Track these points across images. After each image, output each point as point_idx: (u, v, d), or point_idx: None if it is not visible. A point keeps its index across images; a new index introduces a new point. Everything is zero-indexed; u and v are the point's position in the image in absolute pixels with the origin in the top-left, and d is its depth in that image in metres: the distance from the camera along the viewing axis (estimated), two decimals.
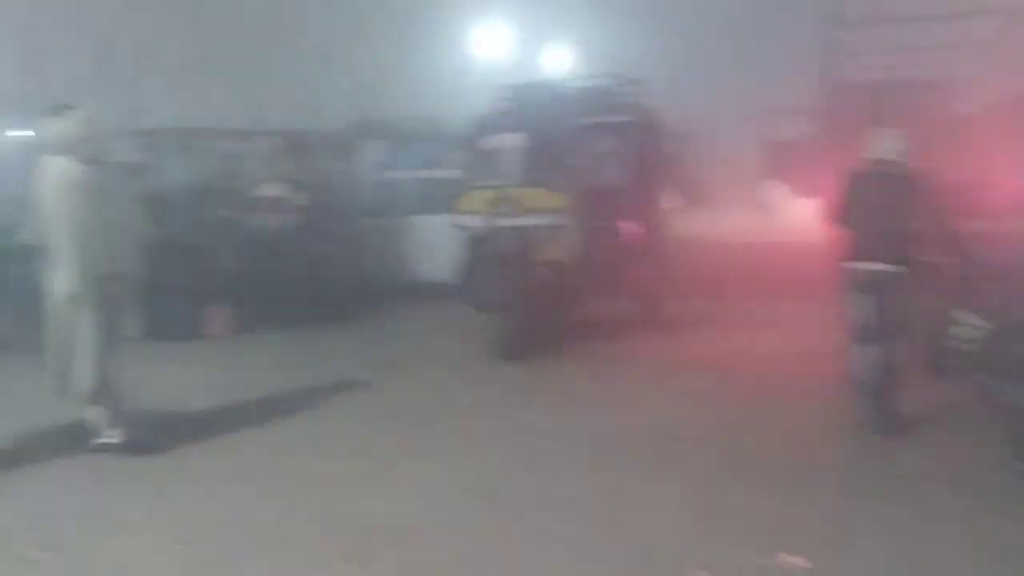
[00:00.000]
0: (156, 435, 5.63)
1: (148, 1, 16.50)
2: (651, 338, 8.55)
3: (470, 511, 4.62)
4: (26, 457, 5.42)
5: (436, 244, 10.01)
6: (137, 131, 11.38)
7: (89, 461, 5.36)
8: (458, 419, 6.24)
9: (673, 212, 9.61)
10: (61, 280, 5.17)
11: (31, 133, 15.26)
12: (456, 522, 4.49)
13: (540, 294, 8.05)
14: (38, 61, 14.71)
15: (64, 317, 5.24)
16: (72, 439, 5.54)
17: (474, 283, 8.52)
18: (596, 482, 4.97)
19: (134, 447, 5.39)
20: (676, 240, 9.67)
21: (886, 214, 5.61)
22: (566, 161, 8.64)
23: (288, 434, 6.00)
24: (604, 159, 9.02)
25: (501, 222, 8.24)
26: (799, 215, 15.75)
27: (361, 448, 5.64)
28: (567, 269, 8.26)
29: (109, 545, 4.28)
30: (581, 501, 4.71)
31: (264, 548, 4.22)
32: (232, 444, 5.81)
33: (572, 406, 6.56)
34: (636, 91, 9.60)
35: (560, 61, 23.11)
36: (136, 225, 5.77)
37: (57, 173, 5.13)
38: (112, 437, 5.40)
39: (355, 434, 5.97)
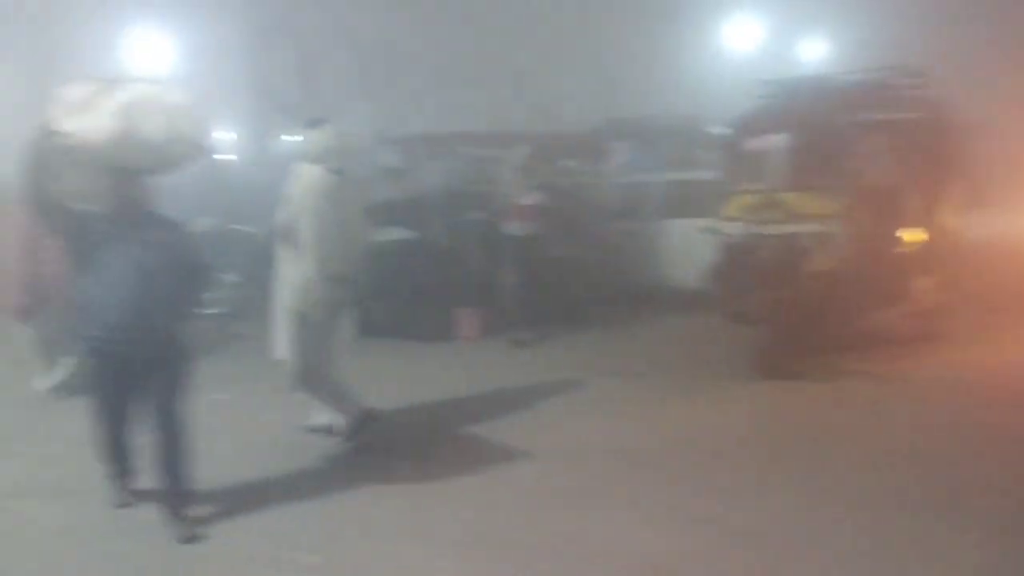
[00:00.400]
0: (392, 433, 5.86)
1: (407, 9, 17.12)
2: (935, 358, 7.62)
3: (736, 551, 4.19)
4: (283, 455, 5.63)
5: (689, 250, 9.52)
6: (395, 137, 11.79)
7: (332, 460, 5.52)
8: (713, 446, 5.77)
9: (959, 216, 8.54)
10: (300, 280, 5.46)
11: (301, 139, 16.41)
12: (718, 564, 4.10)
13: (807, 307, 7.38)
14: (310, 70, 15.71)
15: (300, 316, 5.51)
16: (316, 436, 5.79)
17: (732, 293, 8.00)
18: (882, 534, 4.36)
19: (366, 444, 5.61)
20: (962, 246, 8.59)
21: None
22: (838, 162, 7.89)
23: (526, 442, 5.82)
24: (882, 159, 8.14)
25: (764, 229, 7.65)
26: None
27: (603, 470, 5.35)
28: (838, 280, 7.52)
29: (376, 550, 4.30)
30: (860, 555, 4.14)
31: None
32: (474, 448, 5.78)
33: (842, 439, 5.88)
34: (917, 83, 8.63)
35: (819, 53, 21.64)
36: (366, 232, 6.22)
37: (309, 180, 5.49)
38: (344, 432, 5.64)
39: (593, 453, 5.65)
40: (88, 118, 4.26)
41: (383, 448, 5.76)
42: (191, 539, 4.40)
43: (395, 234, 9.09)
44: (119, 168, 4.37)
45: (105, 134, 4.23)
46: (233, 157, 14.83)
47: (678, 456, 5.58)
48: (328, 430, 5.77)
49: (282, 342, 5.63)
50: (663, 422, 6.31)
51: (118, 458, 4.75)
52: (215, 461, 5.06)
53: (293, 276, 5.51)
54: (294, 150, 5.75)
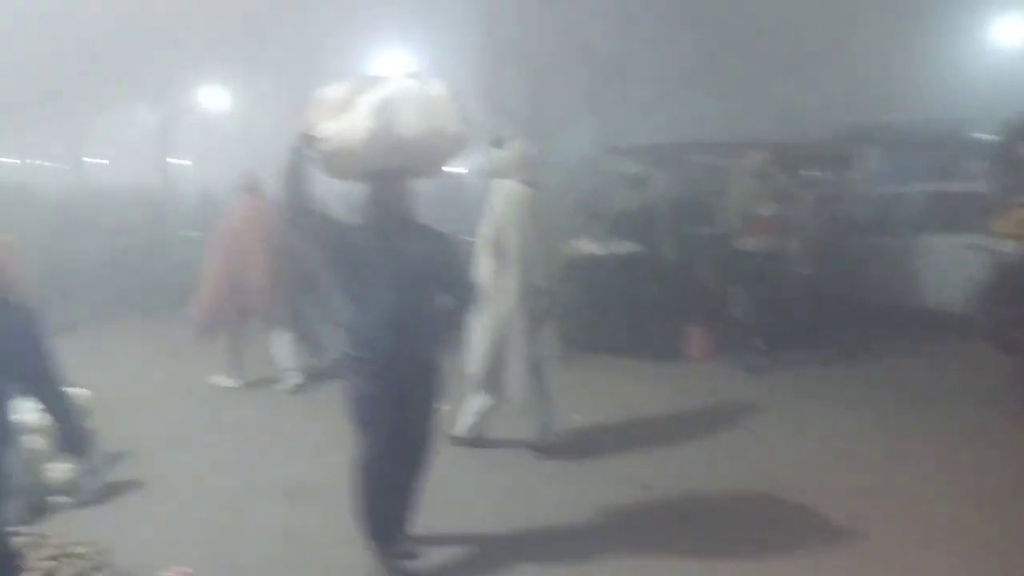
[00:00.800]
0: (615, 456, 5.77)
1: (638, 19, 16.84)
2: None
3: None
4: (499, 469, 5.57)
5: (951, 269, 8.53)
6: (626, 147, 11.52)
7: (548, 480, 5.38)
8: (981, 496, 5.02)
9: None
10: (502, 290, 5.48)
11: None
12: None
13: None
14: (540, 83, 15.81)
15: (499, 325, 5.52)
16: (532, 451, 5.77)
17: (1005, 320, 7.03)
18: None
19: (554, 452, 5.71)
20: None
21: None
22: None
23: (759, 480, 5.32)
24: None
25: None
26: None
27: (846, 516, 4.75)
28: None
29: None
30: None
31: None
32: (701, 481, 5.35)
33: None
34: None
35: None
36: (560, 245, 6.36)
37: (507, 195, 5.59)
38: (532, 445, 5.77)
39: (836, 495, 5.05)
40: (344, 119, 3.88)
41: (603, 471, 5.51)
42: (412, 555, 4.31)
43: (622, 247, 8.80)
44: (378, 171, 3.97)
45: (361, 134, 3.84)
46: (464, 170, 15.18)
47: (943, 505, 4.89)
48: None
49: (477, 356, 5.64)
50: (920, 464, 5.60)
51: (384, 499, 4.14)
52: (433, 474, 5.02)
53: (496, 289, 5.51)
54: (485, 167, 5.80)
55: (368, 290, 3.95)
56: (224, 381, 7.69)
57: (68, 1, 14.08)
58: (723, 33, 16.99)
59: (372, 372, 3.97)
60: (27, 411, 4.12)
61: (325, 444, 5.82)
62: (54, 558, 3.90)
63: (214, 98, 26.64)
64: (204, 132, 26.75)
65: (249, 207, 7.53)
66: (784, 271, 8.15)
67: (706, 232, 8.99)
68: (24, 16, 14.23)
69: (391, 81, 4.00)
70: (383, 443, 4.03)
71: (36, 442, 4.85)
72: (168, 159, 24.93)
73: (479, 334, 5.62)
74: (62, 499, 4.91)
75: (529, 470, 5.59)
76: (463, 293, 4.24)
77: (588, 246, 8.82)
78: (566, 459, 5.70)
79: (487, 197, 5.78)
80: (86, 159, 29.75)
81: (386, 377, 3.96)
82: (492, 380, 5.68)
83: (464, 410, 5.90)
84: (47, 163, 32.06)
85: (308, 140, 3.92)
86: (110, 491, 5.14)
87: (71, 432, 3.35)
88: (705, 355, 8.50)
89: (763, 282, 8.01)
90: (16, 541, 3.94)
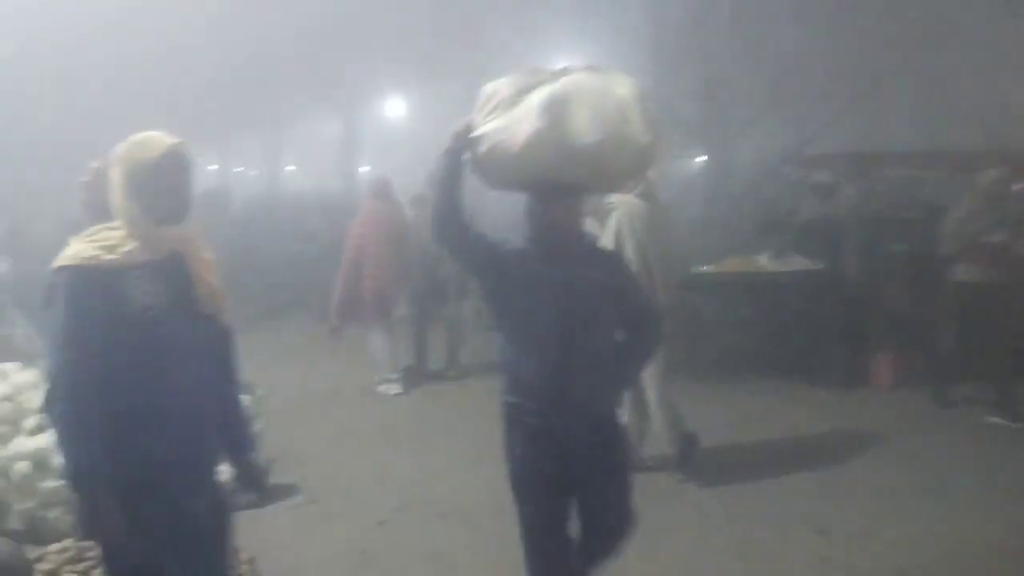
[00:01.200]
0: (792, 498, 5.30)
1: (821, 22, 15.86)
2: None
3: None
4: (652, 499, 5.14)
5: None
6: (815, 154, 10.84)
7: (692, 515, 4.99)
8: None
9: None
10: None
11: (704, 158, 15.94)
12: None
13: None
14: (715, 89, 15.20)
15: None
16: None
17: None
18: None
19: (685, 466, 5.61)
20: None
21: None
22: None
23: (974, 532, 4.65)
24: None
25: None
26: None
27: None
28: None
29: None
30: None
31: None
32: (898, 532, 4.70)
33: None
34: None
35: None
36: (680, 259, 6.20)
37: (625, 209, 5.43)
38: (673, 462, 5.65)
39: None
40: (506, 118, 3.20)
41: (771, 511, 5.05)
42: None
43: (801, 263, 8.17)
44: (541, 182, 3.25)
45: (523, 135, 3.12)
46: None
47: None
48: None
49: None
50: None
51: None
52: None
53: None
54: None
55: (528, 324, 3.26)
56: (388, 389, 7.78)
57: (267, 17, 14.93)
58: (916, 32, 15.72)
59: (534, 424, 3.27)
60: None
61: (482, 460, 5.65)
62: None
63: (395, 106, 27.54)
64: (385, 139, 27.65)
65: (375, 211, 7.79)
66: (1006, 305, 7.05)
67: (900, 251, 8.18)
68: (224, 32, 15.17)
69: (568, 75, 3.23)
70: (548, 523, 3.31)
71: None
72: (355, 166, 25.89)
73: None
74: None
75: (687, 502, 5.23)
76: (645, 327, 3.45)
77: (764, 261, 8.25)
78: (732, 496, 5.28)
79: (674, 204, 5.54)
80: (283, 167, 31.54)
81: (551, 433, 3.25)
82: (630, 402, 5.49)
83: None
84: (244, 170, 34.31)
85: (463, 141, 3.27)
86: (268, 496, 5.17)
87: (241, 464, 3.01)
88: (890, 384, 7.74)
89: (980, 316, 6.96)
90: None
